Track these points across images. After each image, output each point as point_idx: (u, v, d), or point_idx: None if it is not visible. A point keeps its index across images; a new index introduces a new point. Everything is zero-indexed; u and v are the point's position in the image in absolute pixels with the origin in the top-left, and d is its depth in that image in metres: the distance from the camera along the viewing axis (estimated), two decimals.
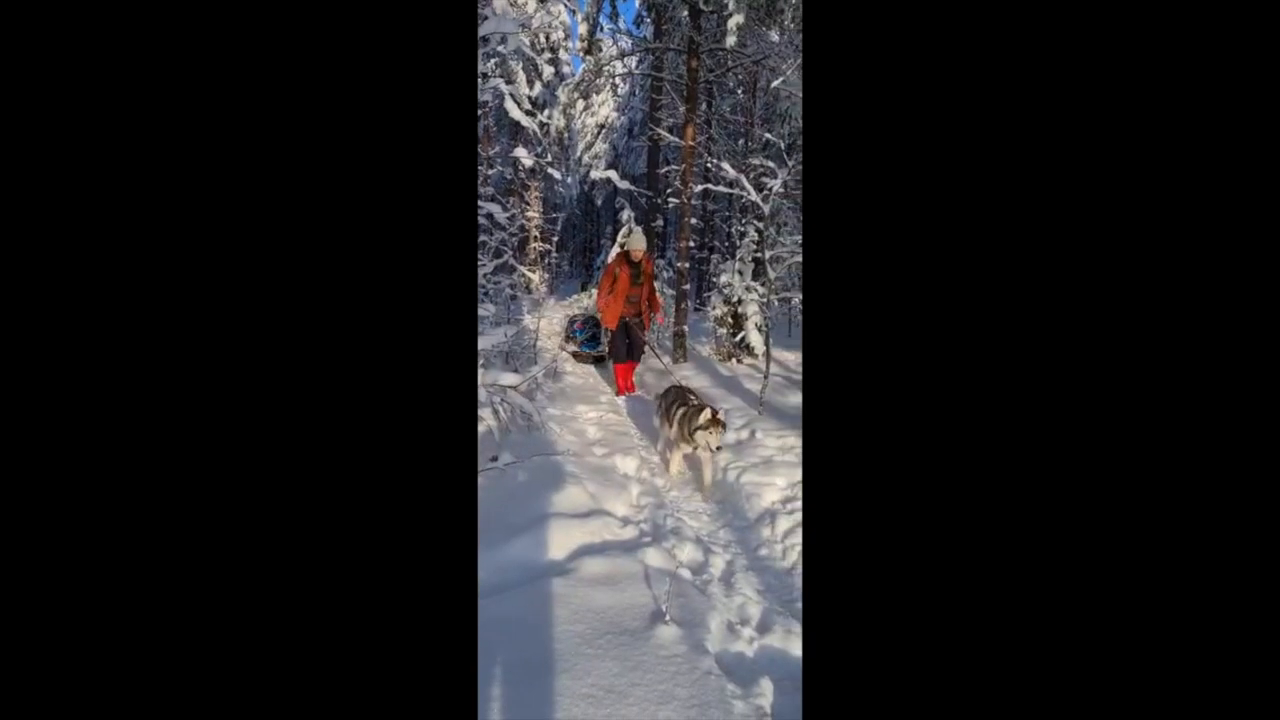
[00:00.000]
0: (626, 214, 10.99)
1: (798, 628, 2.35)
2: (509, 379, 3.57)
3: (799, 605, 2.72)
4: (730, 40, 6.28)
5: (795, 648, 2.24)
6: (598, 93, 19.04)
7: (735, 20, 6.18)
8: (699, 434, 3.73)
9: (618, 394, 6.04)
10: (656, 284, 6.63)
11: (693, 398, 4.08)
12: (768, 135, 5.88)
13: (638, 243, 5.89)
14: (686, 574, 2.71)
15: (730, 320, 7.16)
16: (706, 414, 3.74)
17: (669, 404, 4.17)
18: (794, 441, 4.32)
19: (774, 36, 6.54)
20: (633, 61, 12.13)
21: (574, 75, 15.35)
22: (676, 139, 7.75)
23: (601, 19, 10.23)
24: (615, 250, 7.47)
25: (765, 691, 1.89)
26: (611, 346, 6.14)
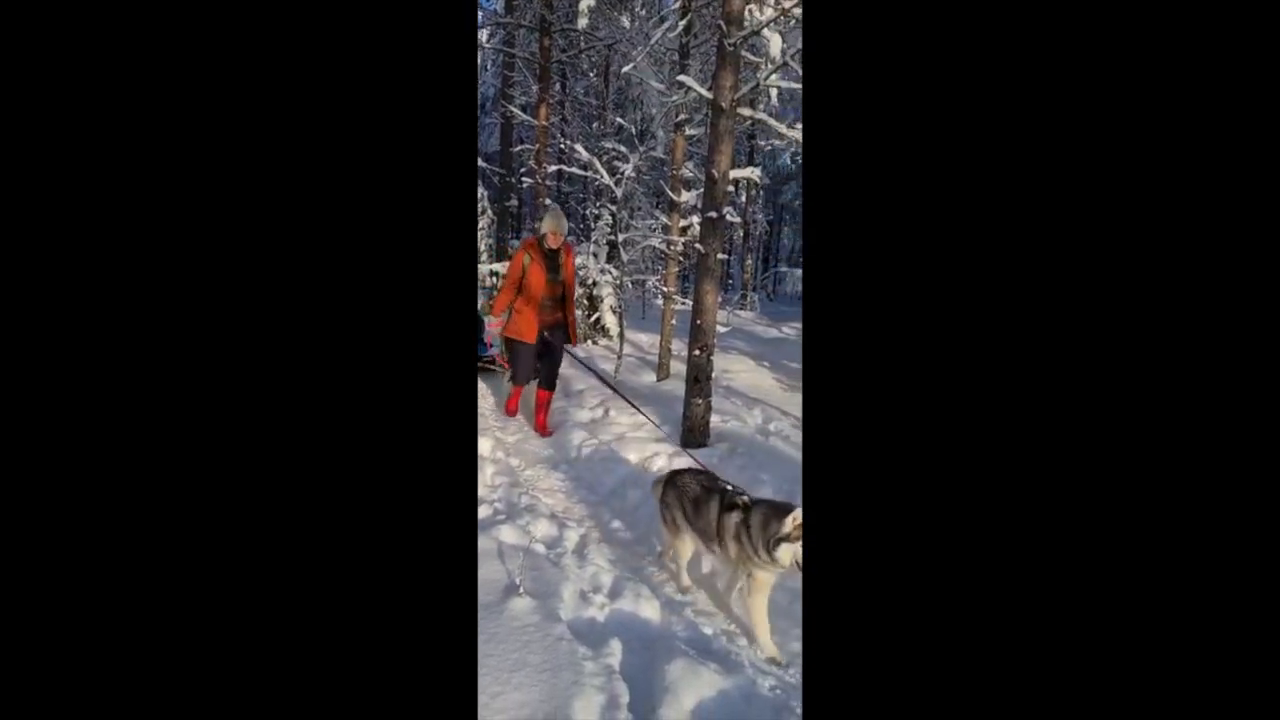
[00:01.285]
0: (480, 191, 10.72)
1: (647, 591, 2.48)
2: None
3: (649, 570, 2.88)
4: (582, 22, 6.30)
5: (644, 610, 2.37)
6: None
7: (587, 2, 6.20)
8: (785, 550, 2.25)
9: (539, 431, 4.51)
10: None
11: (728, 487, 2.62)
12: (620, 120, 5.99)
13: (555, 224, 4.38)
14: (541, 548, 2.77)
15: (585, 302, 7.25)
16: (794, 517, 2.24)
17: (691, 501, 2.63)
18: (645, 419, 4.49)
19: (625, 22, 6.64)
20: (483, 35, 11.78)
21: None
22: (530, 118, 7.67)
23: None
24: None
25: (615, 651, 2.00)
26: (518, 368, 4.56)
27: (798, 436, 4.48)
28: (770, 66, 4.27)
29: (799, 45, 4.65)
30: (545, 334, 4.47)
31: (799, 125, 6.83)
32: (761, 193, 16.12)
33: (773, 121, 4.55)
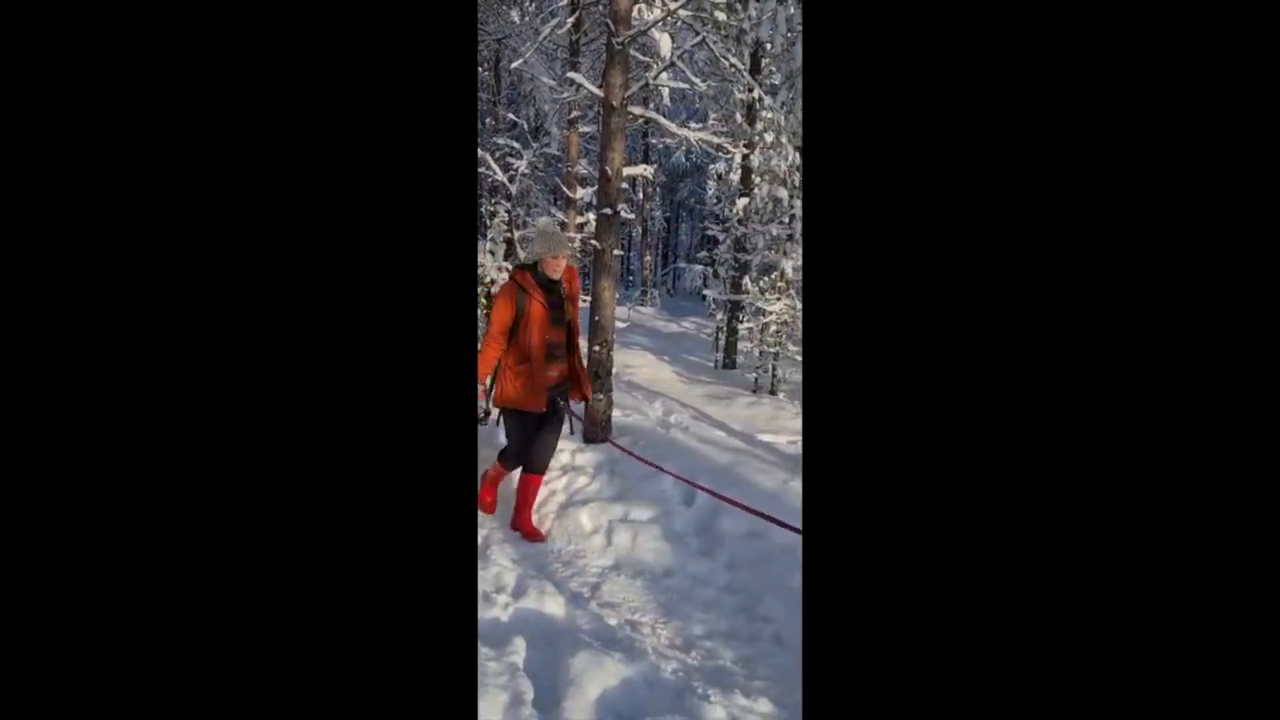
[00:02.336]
0: None
1: (551, 588, 2.49)
2: None
3: (552, 568, 2.88)
4: None
5: (548, 606, 2.38)
6: None
7: None
8: None
9: (527, 534, 3.12)
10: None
11: None
12: (513, 116, 5.92)
13: (554, 244, 3.06)
14: None
15: (484, 301, 7.12)
16: None
17: None
18: None
19: (514, 17, 6.55)
20: None
21: None
22: None
23: None
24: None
25: (519, 649, 2.00)
26: (512, 445, 3.17)
27: (697, 428, 4.61)
28: (659, 65, 4.35)
29: (687, 46, 4.76)
30: (552, 396, 3.14)
31: (691, 125, 6.98)
32: (658, 190, 16.36)
33: (664, 120, 4.64)
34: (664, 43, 4.56)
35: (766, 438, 4.44)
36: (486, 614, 2.27)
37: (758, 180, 5.94)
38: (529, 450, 3.14)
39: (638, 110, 4.40)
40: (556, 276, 3.09)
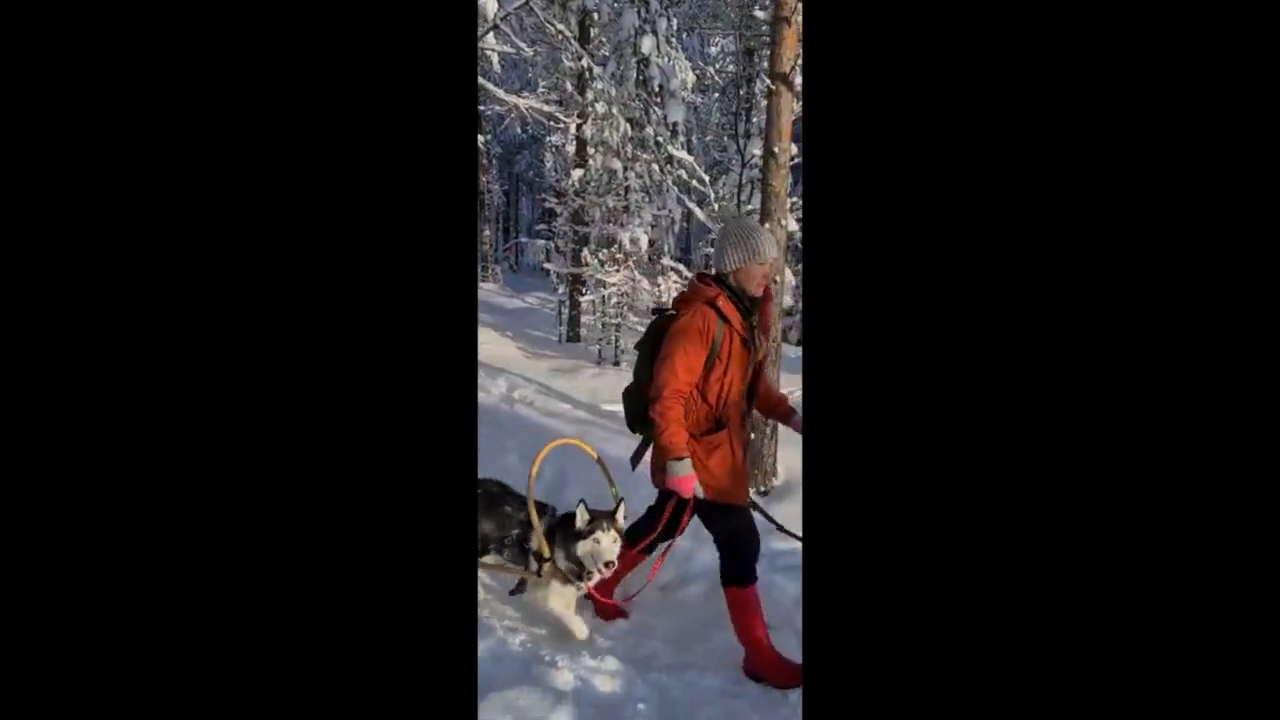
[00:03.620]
0: None
1: None
2: None
3: None
4: None
5: None
6: None
7: None
8: None
9: (780, 678, 2.02)
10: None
11: None
12: None
13: (764, 248, 2.02)
14: None
15: None
16: None
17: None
18: None
19: None
20: None
21: None
22: None
23: None
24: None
25: None
26: (743, 551, 2.09)
27: (543, 402, 4.58)
28: (484, 27, 4.19)
29: (512, 9, 4.61)
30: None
31: (523, 94, 6.80)
32: (495, 162, 15.88)
33: (492, 86, 4.48)
34: (488, 4, 4.39)
35: (611, 407, 4.50)
36: None
37: (592, 151, 5.93)
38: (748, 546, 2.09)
39: None
40: (759, 294, 2.07)
